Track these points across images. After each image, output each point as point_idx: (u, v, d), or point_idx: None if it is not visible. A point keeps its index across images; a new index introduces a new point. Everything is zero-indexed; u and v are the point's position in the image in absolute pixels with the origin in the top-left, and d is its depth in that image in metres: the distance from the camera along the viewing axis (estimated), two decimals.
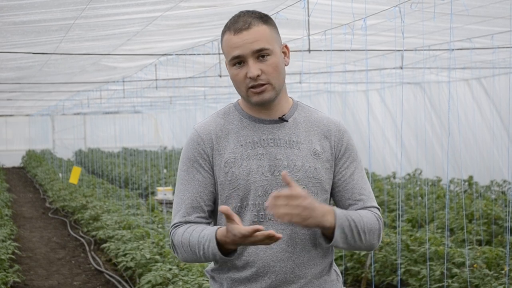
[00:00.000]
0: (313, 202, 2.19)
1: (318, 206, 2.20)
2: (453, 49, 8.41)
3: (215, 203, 2.39)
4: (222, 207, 2.13)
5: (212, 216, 2.43)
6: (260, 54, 2.28)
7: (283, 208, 2.15)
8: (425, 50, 9.36)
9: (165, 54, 9.46)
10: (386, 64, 11.19)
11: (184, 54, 9.24)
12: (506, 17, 7.13)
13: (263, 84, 2.29)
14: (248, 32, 2.28)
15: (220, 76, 10.03)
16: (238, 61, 2.30)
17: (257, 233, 2.11)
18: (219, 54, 8.83)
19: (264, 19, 2.33)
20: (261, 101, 2.31)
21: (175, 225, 2.36)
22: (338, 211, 2.27)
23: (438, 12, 5.81)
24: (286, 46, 2.39)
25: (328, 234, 2.29)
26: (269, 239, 2.13)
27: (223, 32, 2.35)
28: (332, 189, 2.43)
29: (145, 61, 10.78)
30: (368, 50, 9.37)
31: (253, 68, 2.27)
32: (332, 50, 7.70)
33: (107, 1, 5.78)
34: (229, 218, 2.15)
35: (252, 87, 2.29)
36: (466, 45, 8.86)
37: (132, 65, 11.17)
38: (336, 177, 2.41)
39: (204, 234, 2.26)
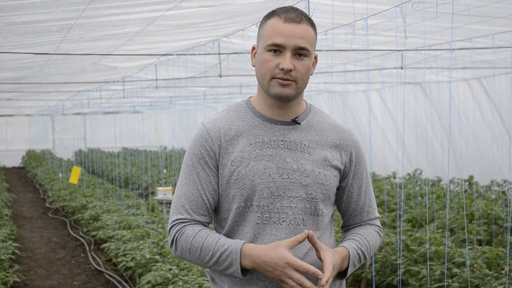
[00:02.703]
0: (337, 261, 2.25)
1: (340, 262, 2.27)
2: (454, 49, 8.40)
3: (218, 202, 2.36)
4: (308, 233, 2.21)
5: (213, 215, 2.40)
6: (299, 52, 2.26)
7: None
8: (426, 50, 9.36)
9: (165, 54, 9.45)
10: (386, 64, 11.19)
11: (185, 54, 9.23)
12: (507, 17, 7.12)
13: (290, 80, 2.26)
14: (298, 26, 2.25)
15: (221, 76, 10.02)
16: (275, 48, 2.25)
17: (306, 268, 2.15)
18: (219, 54, 8.83)
19: (312, 22, 2.31)
20: (281, 94, 2.27)
21: (179, 221, 2.32)
22: (351, 250, 2.32)
23: (439, 12, 5.81)
24: (316, 57, 2.36)
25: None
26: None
27: (268, 17, 2.30)
28: (340, 197, 2.42)
29: (145, 61, 10.78)
30: (369, 50, 9.36)
31: (289, 61, 2.24)
32: (333, 50, 7.70)
33: (108, 1, 5.77)
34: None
35: (279, 78, 2.25)
36: (466, 45, 8.85)
37: (132, 65, 11.16)
38: (347, 187, 2.41)
39: (224, 243, 2.24)
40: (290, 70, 2.24)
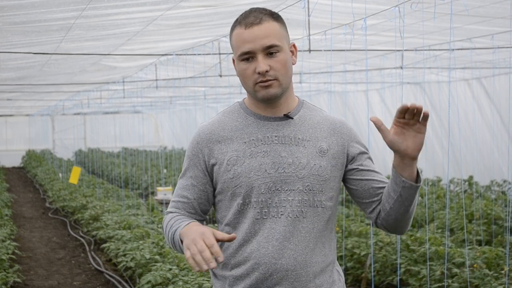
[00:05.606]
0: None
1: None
2: (453, 49, 8.41)
3: (209, 200, 2.42)
4: None
5: (204, 211, 2.44)
6: (270, 51, 2.29)
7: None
8: (425, 50, 9.36)
9: (165, 54, 9.46)
10: (386, 64, 11.19)
11: (185, 54, 9.23)
12: (506, 17, 7.13)
13: (271, 80, 2.30)
14: (259, 27, 2.30)
15: (221, 76, 10.02)
16: (247, 56, 2.30)
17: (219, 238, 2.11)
18: (219, 54, 8.83)
19: (275, 16, 2.34)
20: (267, 96, 2.32)
21: (166, 212, 2.44)
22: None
23: (438, 12, 5.81)
24: (294, 46, 2.40)
25: (408, 176, 2.33)
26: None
27: (233, 27, 2.36)
28: (355, 183, 2.40)
29: (145, 61, 10.78)
30: (368, 50, 9.36)
31: (262, 63, 2.28)
32: (332, 50, 7.70)
33: (108, 1, 5.78)
34: None
35: (260, 82, 2.30)
36: (466, 45, 8.86)
37: (132, 65, 11.17)
38: (359, 172, 2.39)
39: (175, 226, 2.30)
40: (267, 71, 2.28)
